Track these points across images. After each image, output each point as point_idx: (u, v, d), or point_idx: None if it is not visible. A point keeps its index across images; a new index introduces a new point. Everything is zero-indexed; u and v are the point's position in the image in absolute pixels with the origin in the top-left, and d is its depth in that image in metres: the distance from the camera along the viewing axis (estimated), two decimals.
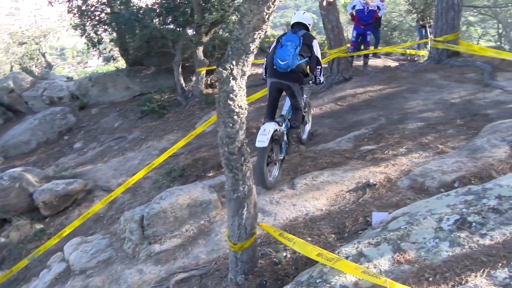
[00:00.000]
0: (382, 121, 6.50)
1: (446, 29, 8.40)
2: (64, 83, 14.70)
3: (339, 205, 4.00)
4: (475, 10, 19.39)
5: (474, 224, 2.33)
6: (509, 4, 18.39)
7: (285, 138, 5.23)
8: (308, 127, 6.38)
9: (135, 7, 10.93)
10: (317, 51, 5.22)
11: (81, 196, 7.99)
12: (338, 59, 8.98)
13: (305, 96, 5.62)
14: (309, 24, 5.38)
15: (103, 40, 12.18)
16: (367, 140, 5.79)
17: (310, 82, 5.39)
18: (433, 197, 3.00)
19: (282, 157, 5.27)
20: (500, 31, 21.22)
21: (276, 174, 5.09)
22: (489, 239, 2.18)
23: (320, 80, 5.39)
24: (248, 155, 2.96)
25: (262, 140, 4.61)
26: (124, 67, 14.58)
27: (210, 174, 6.56)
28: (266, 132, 4.66)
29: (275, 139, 4.88)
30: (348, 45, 9.56)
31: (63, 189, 7.75)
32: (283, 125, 5.23)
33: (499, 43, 20.75)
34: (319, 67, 5.29)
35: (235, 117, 2.76)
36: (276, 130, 4.89)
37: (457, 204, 2.60)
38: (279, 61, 4.93)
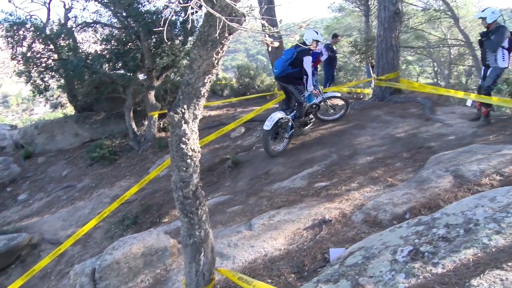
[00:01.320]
0: (334, 158, 6.69)
1: (387, 68, 8.95)
2: (7, 132, 14.01)
3: (297, 244, 3.99)
4: (412, 51, 20.97)
5: (426, 253, 2.40)
6: (441, 45, 20.10)
7: (290, 123, 7.42)
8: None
9: (83, 53, 10.81)
10: (305, 64, 7.00)
11: (25, 251, 7.45)
12: None
13: (306, 93, 7.51)
14: (306, 40, 7.21)
15: (50, 87, 11.83)
16: (321, 176, 5.91)
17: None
18: (386, 229, 3.07)
19: (288, 136, 7.57)
20: (436, 69, 23.03)
21: (283, 146, 7.57)
22: (441, 268, 2.25)
23: (306, 87, 7.30)
24: (203, 198, 2.92)
25: (267, 125, 6.99)
26: (72, 113, 14.18)
27: (165, 220, 6.39)
28: (272, 119, 6.99)
29: (280, 124, 7.22)
30: None
31: (5, 245, 7.20)
32: (291, 114, 7.43)
33: (435, 80, 22.42)
34: (305, 76, 7.18)
35: (189, 160, 2.74)
36: (282, 118, 7.19)
37: (409, 235, 2.68)
38: (274, 68, 7.45)
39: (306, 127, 8.05)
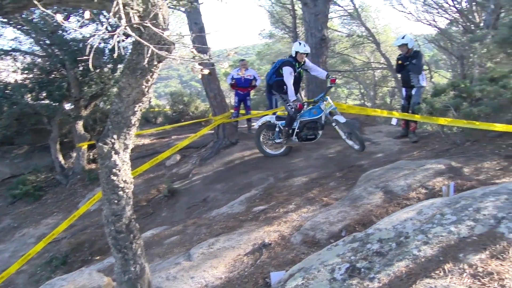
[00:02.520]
0: (271, 181, 6.76)
1: (317, 91, 9.30)
2: None
3: (238, 271, 3.93)
4: (339, 74, 22.20)
5: (362, 269, 2.47)
6: (365, 68, 21.50)
7: (277, 129, 7.69)
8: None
9: (1, 83, 10.07)
10: (284, 74, 7.13)
11: None
12: (223, 124, 9.30)
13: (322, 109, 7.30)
14: (292, 52, 7.29)
15: None
16: (259, 200, 5.93)
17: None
18: (324, 248, 3.13)
19: (279, 142, 7.79)
20: (362, 90, 24.54)
21: (279, 153, 7.89)
22: (377, 282, 2.32)
23: (287, 97, 7.19)
24: (137, 231, 2.78)
25: (256, 124, 8.11)
26: None
27: (98, 257, 6.00)
28: (260, 120, 7.98)
29: (267, 125, 7.78)
30: (232, 110, 10.01)
31: None
32: (282, 121, 7.60)
33: (362, 101, 23.82)
34: (285, 86, 7.17)
35: (120, 192, 2.62)
36: (269, 121, 7.73)
37: (345, 253, 2.75)
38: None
39: (298, 141, 7.55)
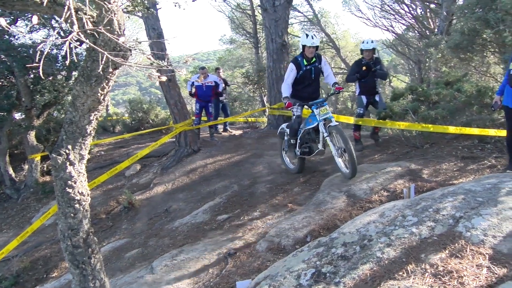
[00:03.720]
0: (235, 188, 6.71)
1: (279, 97, 9.37)
2: None
3: (203, 282, 3.84)
4: None
5: (328, 274, 2.47)
6: None
7: (286, 137, 6.62)
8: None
9: None
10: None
11: None
12: (185, 132, 9.16)
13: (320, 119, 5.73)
14: (300, 46, 6.17)
15: None
16: (223, 209, 5.86)
17: None
18: (289, 255, 3.11)
19: (285, 152, 6.96)
20: (324, 95, 25.06)
21: (291, 167, 6.84)
22: (342, 286, 2.32)
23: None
24: (96, 245, 2.66)
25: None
26: None
27: (54, 274, 5.71)
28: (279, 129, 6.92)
29: (281, 133, 6.80)
30: (193, 117, 9.88)
31: None
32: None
33: None
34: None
35: (77, 205, 2.50)
36: (283, 127, 6.78)
37: (311, 258, 2.74)
38: None
39: (299, 154, 6.34)
